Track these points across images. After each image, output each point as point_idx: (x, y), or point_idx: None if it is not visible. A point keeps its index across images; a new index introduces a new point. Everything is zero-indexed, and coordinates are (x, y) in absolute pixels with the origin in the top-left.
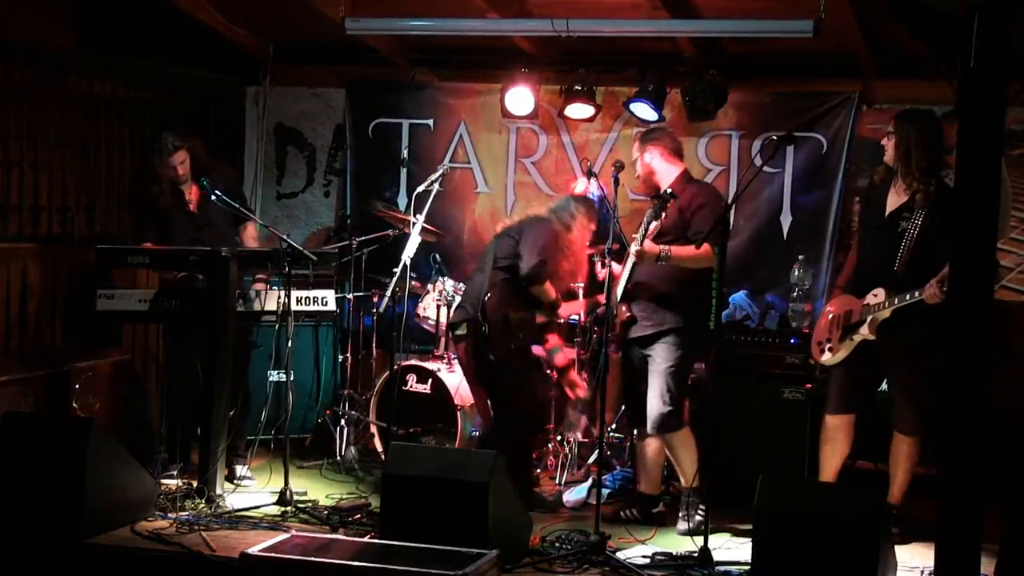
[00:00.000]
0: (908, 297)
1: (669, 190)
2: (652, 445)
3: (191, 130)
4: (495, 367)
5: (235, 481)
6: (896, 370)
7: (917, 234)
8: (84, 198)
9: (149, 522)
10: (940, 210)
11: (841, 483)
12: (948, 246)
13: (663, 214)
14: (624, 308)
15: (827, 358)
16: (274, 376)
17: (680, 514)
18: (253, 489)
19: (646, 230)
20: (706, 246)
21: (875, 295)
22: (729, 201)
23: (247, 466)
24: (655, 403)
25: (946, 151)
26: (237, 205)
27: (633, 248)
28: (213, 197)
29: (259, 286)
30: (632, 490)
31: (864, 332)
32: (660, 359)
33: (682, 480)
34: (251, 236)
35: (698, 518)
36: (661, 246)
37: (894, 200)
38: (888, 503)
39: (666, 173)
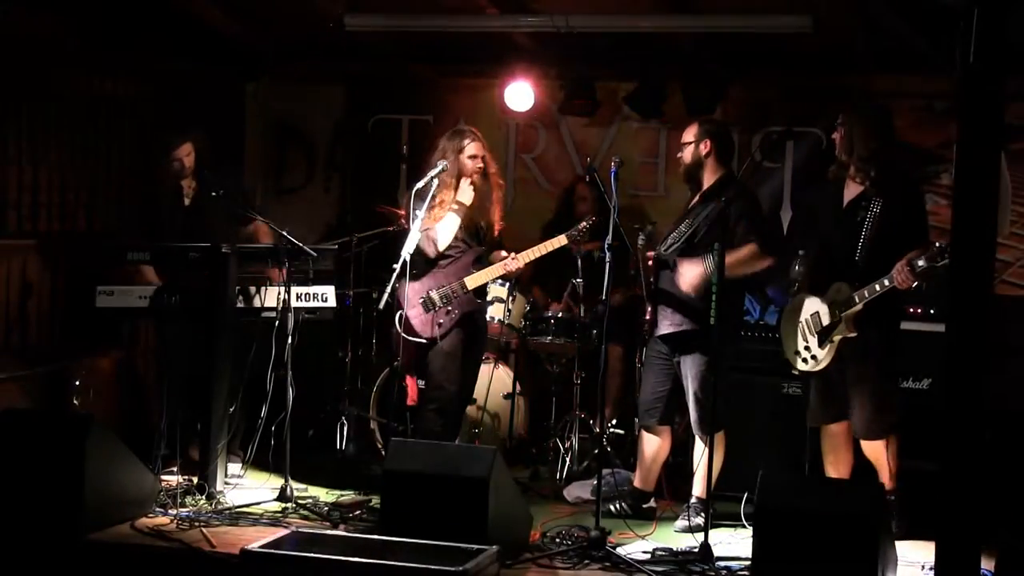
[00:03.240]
0: (879, 287)
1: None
2: (651, 442)
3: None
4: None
5: (227, 478)
6: (861, 369)
7: (875, 223)
8: (84, 194)
9: (149, 518)
10: (895, 197)
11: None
12: (908, 233)
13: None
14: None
15: (812, 366)
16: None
17: (681, 514)
18: (248, 485)
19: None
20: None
21: (838, 290)
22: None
23: (241, 464)
24: (691, 408)
25: (893, 140)
26: (241, 204)
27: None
28: (213, 193)
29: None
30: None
31: (844, 330)
32: (688, 362)
33: (694, 485)
34: (264, 232)
35: (698, 521)
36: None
37: (850, 191)
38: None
39: (711, 172)
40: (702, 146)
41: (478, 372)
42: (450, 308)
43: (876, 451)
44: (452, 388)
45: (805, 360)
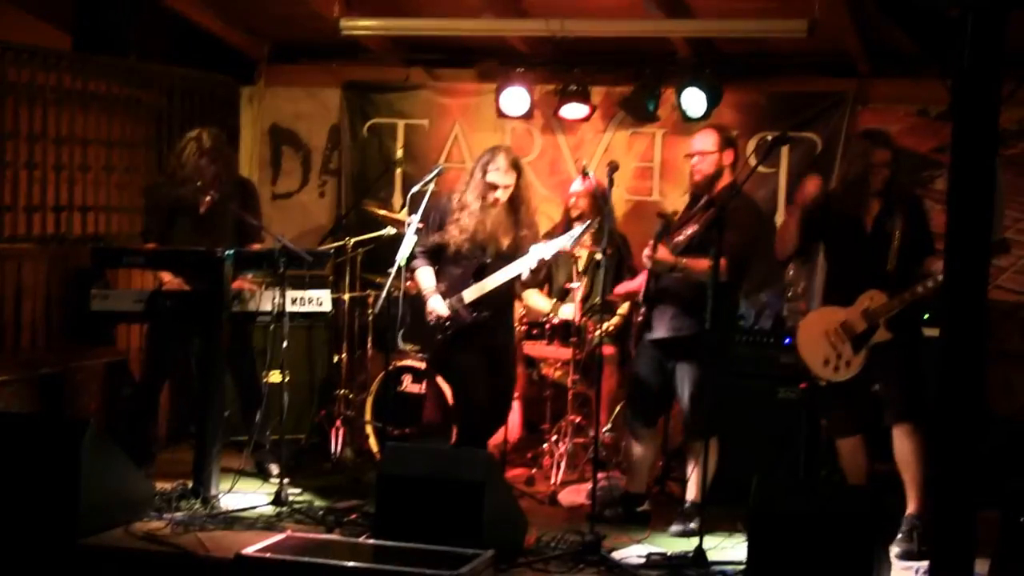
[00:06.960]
0: (920, 289)
1: (672, 215)
2: (641, 445)
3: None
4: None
5: (271, 480)
6: (892, 364)
7: (901, 233)
8: (79, 198)
9: (144, 523)
10: (909, 206)
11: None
12: (923, 238)
13: (665, 238)
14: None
15: (844, 374)
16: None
17: (675, 519)
18: (243, 489)
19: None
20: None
21: (871, 298)
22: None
23: (278, 465)
24: (685, 413)
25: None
26: (256, 223)
27: (645, 253)
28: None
29: (239, 284)
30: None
31: (882, 335)
32: (685, 367)
33: (689, 490)
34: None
35: (692, 525)
36: (677, 258)
37: (872, 207)
38: (909, 515)
39: (724, 180)
40: (725, 156)
41: (506, 394)
42: (448, 323)
43: (907, 447)
44: (471, 403)
45: (837, 368)
